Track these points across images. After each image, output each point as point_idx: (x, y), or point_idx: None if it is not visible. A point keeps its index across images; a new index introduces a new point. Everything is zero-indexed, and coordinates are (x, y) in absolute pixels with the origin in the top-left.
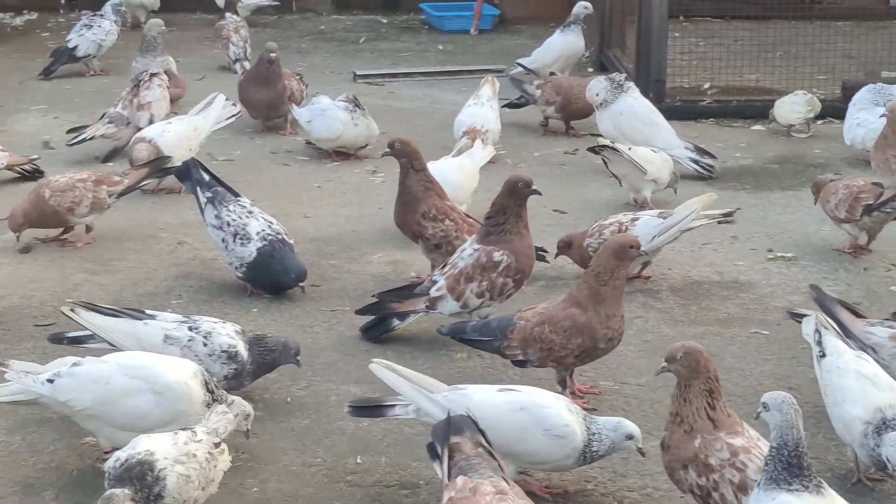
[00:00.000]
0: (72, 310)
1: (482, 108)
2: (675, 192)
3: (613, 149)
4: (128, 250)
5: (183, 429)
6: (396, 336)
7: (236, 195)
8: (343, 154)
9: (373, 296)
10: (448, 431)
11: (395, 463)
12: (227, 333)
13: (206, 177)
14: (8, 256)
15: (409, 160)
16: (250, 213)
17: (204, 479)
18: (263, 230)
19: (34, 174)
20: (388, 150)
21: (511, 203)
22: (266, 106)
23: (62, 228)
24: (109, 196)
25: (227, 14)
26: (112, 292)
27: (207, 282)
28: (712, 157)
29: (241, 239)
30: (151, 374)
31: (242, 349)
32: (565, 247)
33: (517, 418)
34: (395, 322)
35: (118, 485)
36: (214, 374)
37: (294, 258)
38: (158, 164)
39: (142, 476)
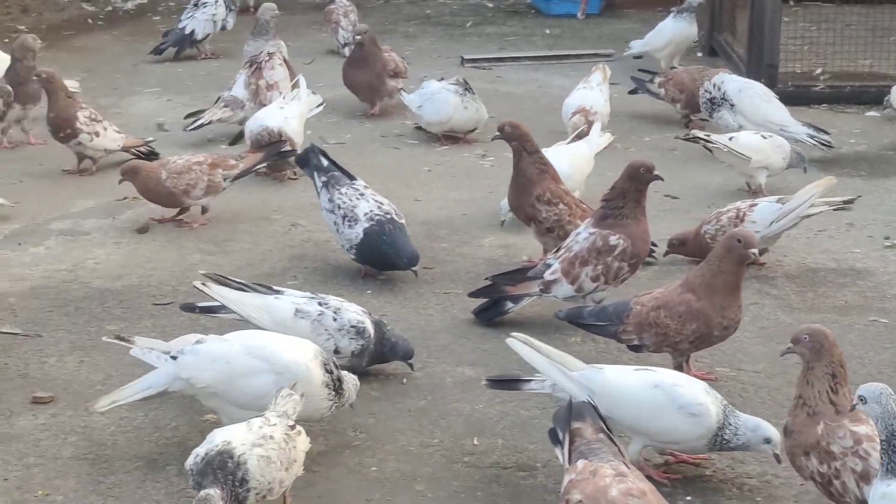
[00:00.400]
0: (203, 283)
1: (591, 91)
2: (805, 170)
3: (707, 140)
4: (242, 232)
5: (256, 416)
6: (510, 319)
7: (352, 178)
8: (452, 138)
9: (486, 279)
10: (569, 417)
11: (512, 445)
12: (354, 310)
13: (325, 162)
14: (126, 237)
15: (520, 143)
16: (362, 195)
17: (285, 459)
18: (371, 211)
19: (149, 156)
20: (497, 133)
21: (631, 188)
22: (367, 87)
23: (178, 209)
24: (224, 179)
25: None
26: (228, 273)
27: (322, 263)
28: (827, 133)
29: (349, 221)
30: (272, 355)
31: (370, 326)
32: (679, 245)
33: (652, 396)
34: (509, 305)
35: (202, 479)
36: (342, 350)
37: (405, 241)
38: (275, 149)
39: (223, 465)
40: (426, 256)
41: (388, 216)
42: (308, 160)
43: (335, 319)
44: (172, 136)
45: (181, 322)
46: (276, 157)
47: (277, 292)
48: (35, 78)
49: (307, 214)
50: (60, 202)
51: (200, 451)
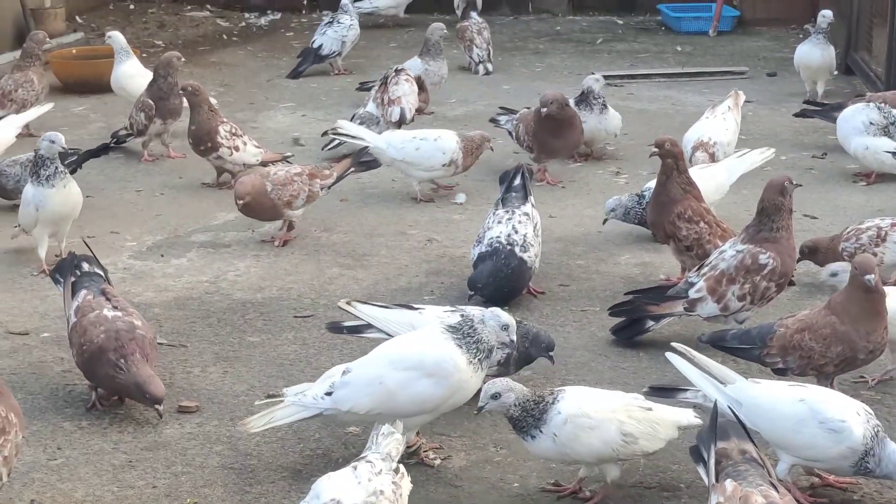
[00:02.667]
0: (348, 303)
1: (714, 120)
2: None
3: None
4: (379, 246)
5: (359, 460)
6: (648, 338)
7: (524, 202)
8: (584, 154)
9: (625, 294)
10: (714, 436)
11: (655, 465)
12: None
13: (517, 182)
14: (265, 249)
15: (674, 161)
16: (509, 220)
17: None
18: (498, 237)
19: None
20: (656, 149)
21: (785, 201)
22: (569, 148)
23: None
24: (321, 189)
25: (473, 14)
26: (366, 286)
27: (458, 279)
28: None
29: (477, 240)
30: (418, 360)
31: (514, 338)
32: (810, 253)
33: (794, 409)
34: (650, 324)
35: None
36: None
37: (489, 273)
38: (360, 156)
39: None
40: (562, 273)
41: (508, 248)
42: (505, 177)
43: None
44: (308, 150)
45: (321, 335)
46: (362, 166)
47: (418, 309)
48: (181, 91)
49: (442, 230)
50: (200, 215)
51: None
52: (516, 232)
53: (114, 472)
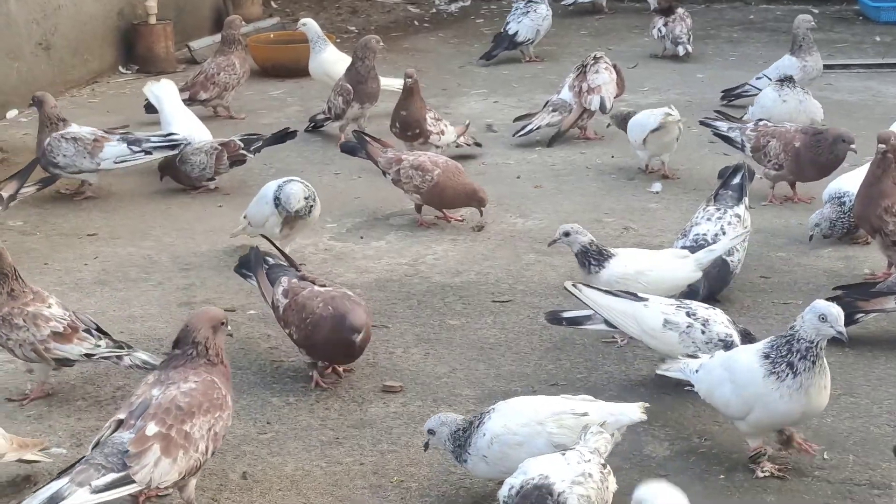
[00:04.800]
0: (574, 285)
1: None
2: None
3: None
4: None
5: (567, 450)
6: (851, 332)
7: (737, 203)
8: None
9: (833, 289)
10: None
11: (864, 462)
12: (722, 322)
13: (736, 181)
14: (462, 234)
15: (894, 155)
16: (719, 218)
17: (601, 500)
18: (703, 234)
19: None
20: (882, 145)
21: None
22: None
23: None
24: None
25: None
26: (562, 273)
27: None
28: None
29: (682, 234)
30: (729, 364)
31: (737, 339)
32: None
33: None
34: (858, 315)
35: None
36: None
37: (716, 276)
38: None
39: (541, 502)
40: (762, 265)
41: (722, 257)
42: (724, 172)
43: (703, 332)
44: (501, 136)
45: (520, 320)
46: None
47: (643, 300)
48: (406, 78)
49: (638, 218)
50: (397, 199)
51: (515, 482)
52: (724, 233)
53: (321, 447)
